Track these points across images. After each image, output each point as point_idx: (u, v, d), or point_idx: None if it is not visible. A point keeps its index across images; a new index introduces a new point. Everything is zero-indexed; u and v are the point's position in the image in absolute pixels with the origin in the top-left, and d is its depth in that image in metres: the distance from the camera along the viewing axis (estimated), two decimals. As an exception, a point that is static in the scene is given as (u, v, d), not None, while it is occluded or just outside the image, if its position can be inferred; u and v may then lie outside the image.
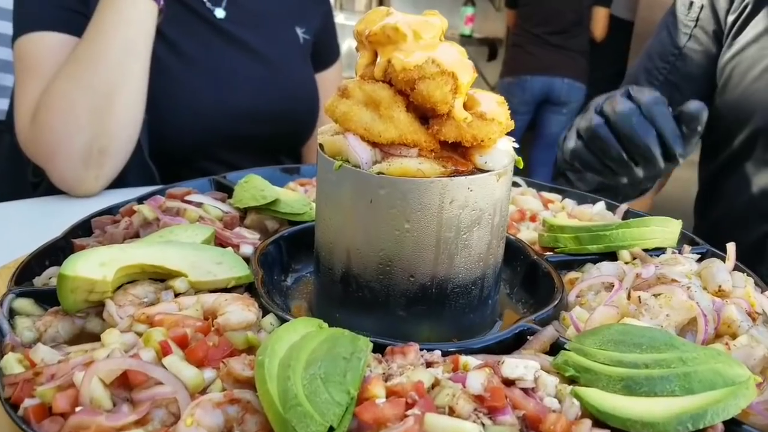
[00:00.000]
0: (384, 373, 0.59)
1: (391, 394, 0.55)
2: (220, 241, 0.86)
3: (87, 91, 1.33)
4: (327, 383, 0.54)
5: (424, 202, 0.68)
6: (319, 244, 0.77)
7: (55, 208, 1.29)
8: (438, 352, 0.63)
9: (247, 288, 0.77)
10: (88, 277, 0.70)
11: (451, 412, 0.54)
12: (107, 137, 1.36)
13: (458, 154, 0.72)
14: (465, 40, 5.56)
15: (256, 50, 1.64)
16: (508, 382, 0.59)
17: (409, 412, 0.53)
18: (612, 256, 0.89)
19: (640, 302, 0.73)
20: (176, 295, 0.74)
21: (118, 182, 1.46)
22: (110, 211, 0.96)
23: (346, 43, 4.20)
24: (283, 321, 0.70)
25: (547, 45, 4.21)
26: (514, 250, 0.90)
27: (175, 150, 1.60)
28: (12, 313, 0.72)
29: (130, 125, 1.40)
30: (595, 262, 0.88)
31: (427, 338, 0.74)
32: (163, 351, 0.61)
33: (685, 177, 1.74)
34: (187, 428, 0.53)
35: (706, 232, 1.14)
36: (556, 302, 0.76)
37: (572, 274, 0.87)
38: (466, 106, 0.72)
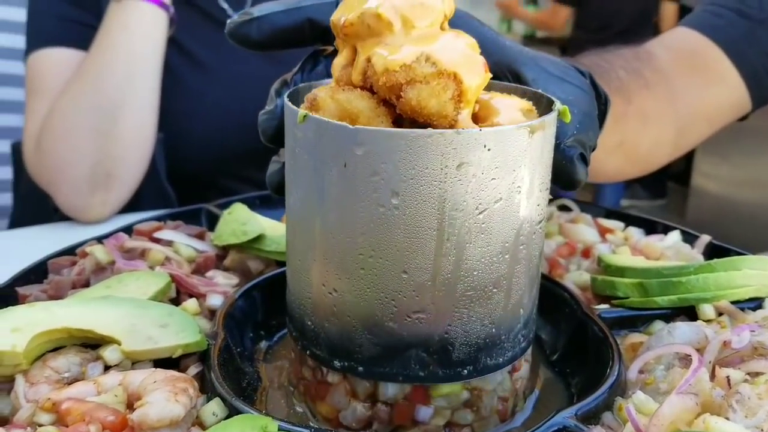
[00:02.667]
0: None
1: None
2: (185, 290, 0.70)
3: (90, 112, 1.22)
4: None
5: (419, 165, 0.47)
6: (288, 224, 0.58)
7: (64, 234, 1.18)
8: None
9: (202, 356, 0.60)
10: (-6, 347, 0.55)
11: None
12: (114, 160, 1.25)
13: None
14: (528, 41, 5.27)
15: (280, 57, 1.48)
16: None
17: None
18: (690, 311, 0.66)
19: (730, 387, 0.52)
20: (106, 368, 0.58)
21: (132, 207, 1.34)
22: (72, 250, 0.81)
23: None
24: (232, 409, 0.53)
25: (609, 46, 3.93)
26: (557, 300, 0.69)
27: (194, 169, 1.47)
28: None
29: (139, 146, 1.28)
30: (666, 319, 0.66)
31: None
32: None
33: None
34: None
35: None
36: (609, 385, 0.55)
37: (634, 337, 0.65)
38: (477, 118, 0.53)
